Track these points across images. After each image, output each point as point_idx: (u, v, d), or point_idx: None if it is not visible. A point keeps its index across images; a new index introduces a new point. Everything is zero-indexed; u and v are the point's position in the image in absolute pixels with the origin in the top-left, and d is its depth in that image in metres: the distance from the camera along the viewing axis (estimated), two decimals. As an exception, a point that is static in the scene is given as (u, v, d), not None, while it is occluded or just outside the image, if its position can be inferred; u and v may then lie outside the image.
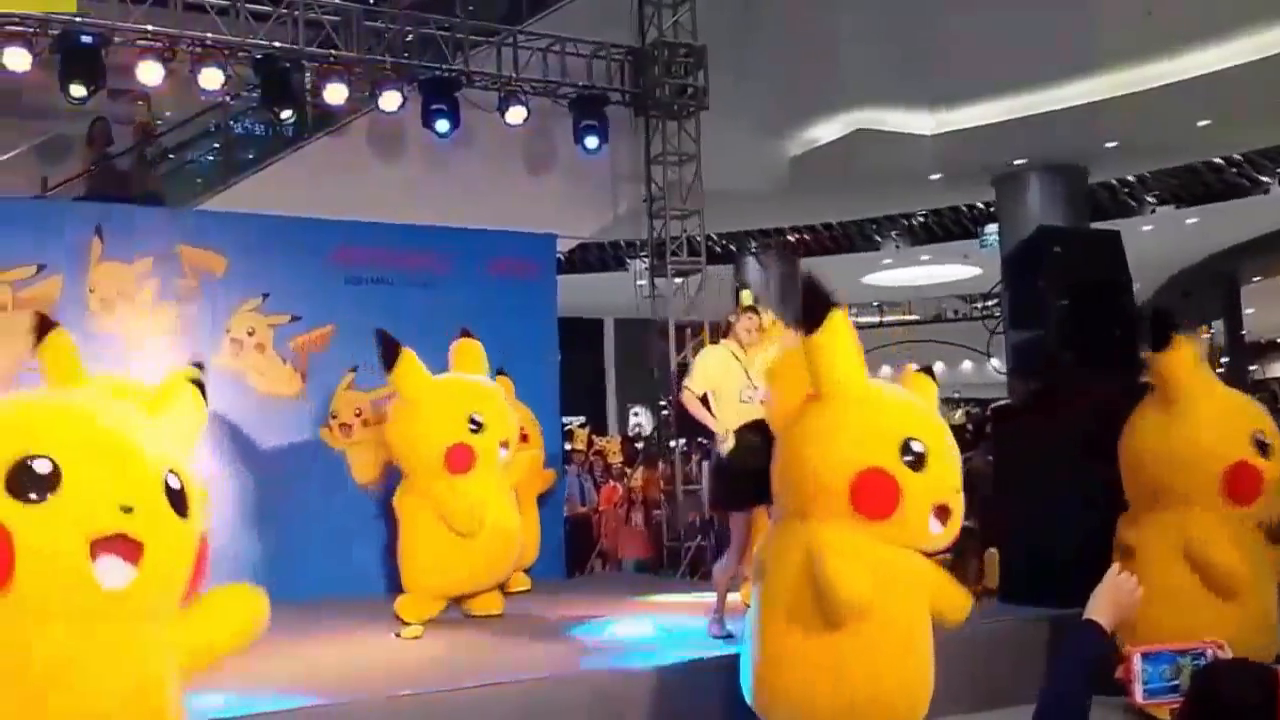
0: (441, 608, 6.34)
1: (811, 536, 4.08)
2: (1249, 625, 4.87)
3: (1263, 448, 5.17)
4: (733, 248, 17.68)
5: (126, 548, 2.75)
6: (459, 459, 6.19)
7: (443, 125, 9.30)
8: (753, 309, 5.73)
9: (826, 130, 13.53)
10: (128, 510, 2.72)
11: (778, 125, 13.12)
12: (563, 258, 10.38)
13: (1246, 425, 5.24)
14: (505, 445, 6.42)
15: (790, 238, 18.35)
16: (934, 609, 4.26)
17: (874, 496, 4.03)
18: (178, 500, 2.86)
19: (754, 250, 16.68)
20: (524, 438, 7.51)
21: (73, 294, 7.44)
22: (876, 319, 24.46)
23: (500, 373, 7.76)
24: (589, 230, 11.88)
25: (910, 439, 4.08)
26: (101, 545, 2.72)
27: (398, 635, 6.08)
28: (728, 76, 10.53)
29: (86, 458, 2.77)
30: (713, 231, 13.35)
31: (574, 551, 9.43)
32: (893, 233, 19.90)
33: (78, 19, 8.04)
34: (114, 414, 2.96)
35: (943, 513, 4.13)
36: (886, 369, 12.64)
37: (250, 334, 8.01)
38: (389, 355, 6.29)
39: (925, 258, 20.96)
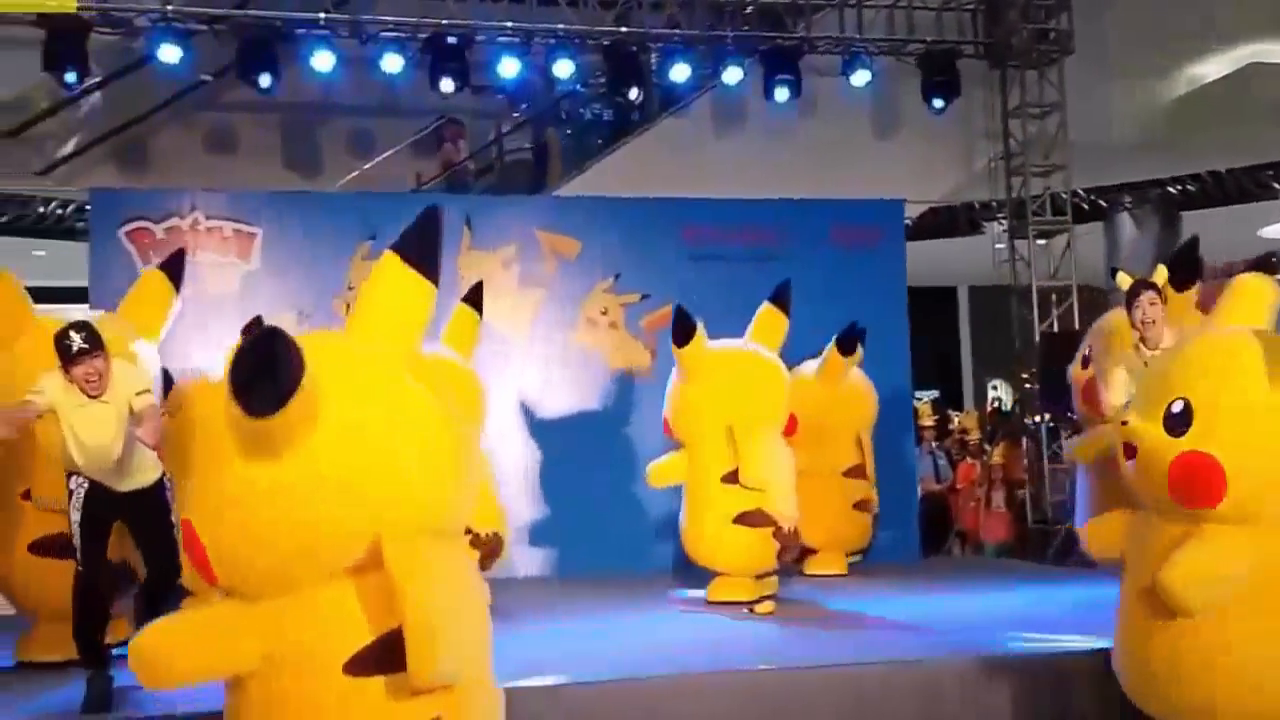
0: (750, 588, 6.26)
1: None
2: None
3: None
4: (1102, 204, 16.20)
5: None
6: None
7: (782, 94, 9.17)
8: (1150, 287, 5.13)
9: (1213, 67, 12.01)
10: None
11: (1153, 65, 11.81)
12: (910, 223, 9.94)
13: None
14: None
15: (1170, 189, 16.59)
16: None
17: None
18: None
19: (1128, 205, 15.19)
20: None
21: (445, 281, 7.96)
22: (1275, 277, 21.64)
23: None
24: (940, 193, 11.30)
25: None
26: None
27: (750, 610, 6.09)
28: (1094, 16, 9.66)
29: None
30: (1079, 187, 12.32)
31: (928, 532, 9.02)
32: (1294, 178, 17.45)
33: (444, 21, 8.64)
34: None
35: None
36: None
37: (604, 313, 8.32)
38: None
39: (1336, 204, 18.27)
